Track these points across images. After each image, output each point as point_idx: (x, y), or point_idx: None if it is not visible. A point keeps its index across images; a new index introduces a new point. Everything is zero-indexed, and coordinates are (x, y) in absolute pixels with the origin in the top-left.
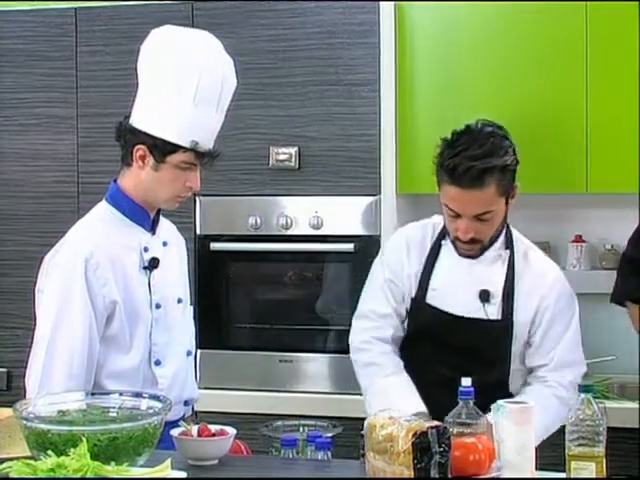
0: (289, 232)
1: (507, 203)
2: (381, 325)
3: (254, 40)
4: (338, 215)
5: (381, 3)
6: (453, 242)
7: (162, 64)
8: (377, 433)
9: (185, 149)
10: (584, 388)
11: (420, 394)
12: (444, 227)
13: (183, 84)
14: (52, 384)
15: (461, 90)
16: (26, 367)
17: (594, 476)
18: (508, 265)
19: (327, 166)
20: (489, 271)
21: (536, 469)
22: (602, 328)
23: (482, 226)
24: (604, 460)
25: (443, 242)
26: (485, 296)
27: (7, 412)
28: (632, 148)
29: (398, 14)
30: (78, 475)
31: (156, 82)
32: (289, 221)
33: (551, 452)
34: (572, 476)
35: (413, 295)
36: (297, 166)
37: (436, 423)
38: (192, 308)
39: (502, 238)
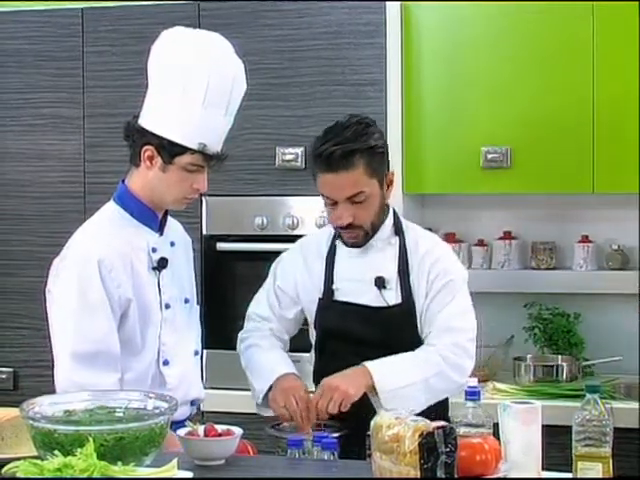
0: (296, 232)
1: (382, 188)
2: (263, 324)
3: (260, 40)
4: None
5: (387, 3)
6: (339, 235)
7: (172, 65)
8: (383, 433)
9: (193, 151)
10: (591, 388)
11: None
12: (338, 233)
13: (192, 86)
14: (84, 384)
15: (467, 90)
16: (33, 367)
17: (600, 476)
18: (399, 251)
19: None
20: (380, 258)
21: (542, 469)
22: (609, 328)
23: (358, 210)
24: (610, 460)
25: (337, 242)
26: (380, 282)
27: (14, 412)
28: (638, 148)
29: (404, 14)
30: (85, 475)
31: (166, 83)
32: (295, 221)
33: (557, 452)
34: (578, 476)
35: (320, 296)
36: (303, 166)
37: (442, 423)
38: (199, 308)
39: (390, 225)
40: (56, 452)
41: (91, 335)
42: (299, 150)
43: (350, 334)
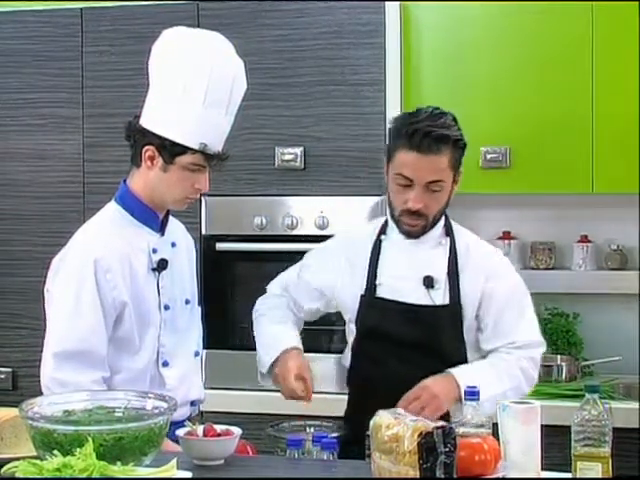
0: (295, 232)
1: (453, 182)
2: (279, 299)
3: (260, 40)
4: (344, 215)
5: (387, 3)
6: (397, 221)
7: (172, 65)
8: (383, 433)
9: (194, 151)
10: (590, 388)
11: (374, 391)
12: (383, 224)
13: (193, 86)
14: (64, 381)
15: (467, 90)
16: (32, 367)
17: (600, 476)
18: (450, 252)
19: (333, 166)
20: (430, 257)
21: (542, 469)
22: (608, 328)
23: (430, 199)
24: (610, 460)
25: (382, 237)
26: (429, 282)
27: (13, 412)
28: (637, 148)
29: (403, 14)
30: (84, 475)
31: (166, 83)
32: (295, 221)
33: (557, 452)
34: (578, 476)
35: (362, 292)
36: (303, 166)
37: (442, 423)
38: (200, 309)
39: (441, 225)
40: (55, 452)
41: (76, 334)
42: (298, 150)
43: (391, 333)
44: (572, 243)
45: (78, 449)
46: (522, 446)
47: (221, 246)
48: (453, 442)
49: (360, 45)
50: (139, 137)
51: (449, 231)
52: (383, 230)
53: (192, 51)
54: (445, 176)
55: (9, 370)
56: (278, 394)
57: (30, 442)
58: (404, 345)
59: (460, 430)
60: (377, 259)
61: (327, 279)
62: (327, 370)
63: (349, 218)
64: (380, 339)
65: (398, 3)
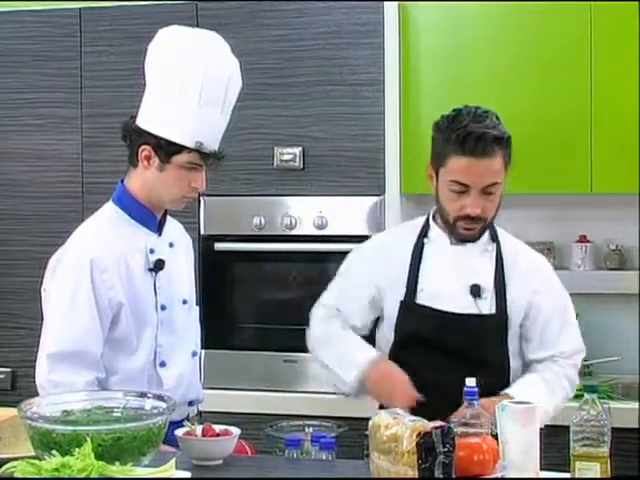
0: (293, 232)
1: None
2: (336, 316)
3: (258, 40)
4: (342, 215)
5: (385, 3)
6: (452, 226)
7: (168, 64)
8: (381, 433)
9: (190, 150)
10: (589, 388)
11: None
12: (424, 226)
13: (188, 85)
14: (58, 382)
15: (465, 90)
16: (31, 367)
17: (599, 476)
18: (496, 259)
19: (331, 166)
20: (477, 265)
21: (540, 469)
22: (607, 328)
23: (487, 202)
24: (608, 460)
25: (425, 240)
26: (476, 291)
27: (12, 412)
28: (636, 148)
29: (402, 14)
30: (82, 475)
31: (162, 82)
32: (293, 221)
33: (555, 452)
34: (577, 476)
35: (402, 298)
36: (301, 166)
37: (440, 423)
38: (198, 309)
39: (487, 232)
40: (54, 452)
41: (70, 335)
42: (297, 150)
43: (431, 341)
44: (571, 243)
45: (77, 449)
46: (521, 446)
47: (220, 246)
48: (452, 442)
49: (359, 45)
50: (135, 137)
51: (494, 237)
52: (424, 233)
53: (187, 50)
54: (500, 177)
55: (8, 370)
56: (276, 394)
57: (29, 442)
58: (445, 354)
59: (459, 430)
60: (419, 264)
61: (371, 289)
62: (325, 371)
63: (348, 218)
64: (419, 347)
65: (397, 3)
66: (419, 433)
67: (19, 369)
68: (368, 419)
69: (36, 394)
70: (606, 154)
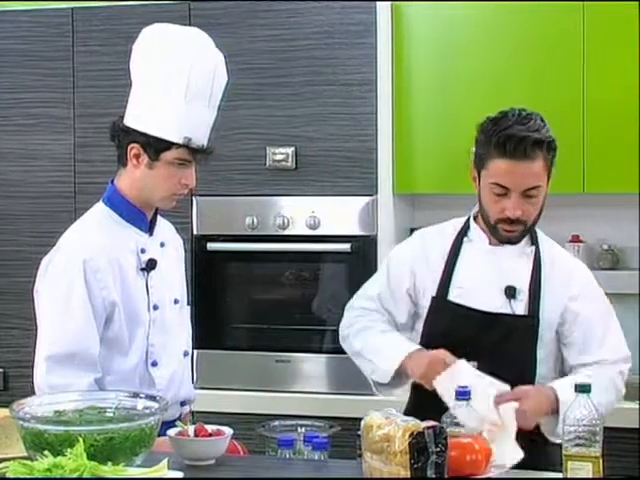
0: (286, 232)
1: (546, 186)
2: (371, 314)
3: (251, 40)
4: (335, 215)
5: (378, 3)
6: (494, 228)
7: (152, 62)
8: (374, 433)
9: (178, 145)
10: (581, 388)
11: (436, 400)
12: (464, 226)
13: (174, 81)
14: (57, 385)
15: (458, 90)
16: (23, 367)
17: (591, 476)
18: (534, 262)
19: (324, 166)
20: (514, 267)
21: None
22: None
23: (528, 205)
24: (601, 460)
25: (465, 239)
26: (511, 292)
27: (4, 412)
28: (629, 148)
29: (395, 14)
30: (75, 475)
31: (147, 80)
32: (286, 221)
33: (552, 452)
34: (569, 476)
35: (434, 294)
36: (294, 166)
37: (433, 423)
38: (190, 308)
39: (527, 235)
40: (46, 452)
41: (67, 336)
42: (290, 150)
43: (461, 340)
44: (564, 243)
45: (69, 449)
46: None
47: (212, 246)
48: (444, 442)
49: (351, 45)
50: (123, 136)
51: (534, 240)
52: (464, 232)
53: (171, 47)
54: (541, 180)
55: (0, 370)
56: (269, 394)
57: (21, 442)
58: (472, 352)
59: (451, 430)
60: (454, 262)
61: (410, 286)
62: (318, 370)
63: (340, 218)
64: (447, 344)
65: (389, 3)
66: (411, 433)
67: (11, 369)
68: (361, 419)
69: (29, 394)
70: (599, 154)
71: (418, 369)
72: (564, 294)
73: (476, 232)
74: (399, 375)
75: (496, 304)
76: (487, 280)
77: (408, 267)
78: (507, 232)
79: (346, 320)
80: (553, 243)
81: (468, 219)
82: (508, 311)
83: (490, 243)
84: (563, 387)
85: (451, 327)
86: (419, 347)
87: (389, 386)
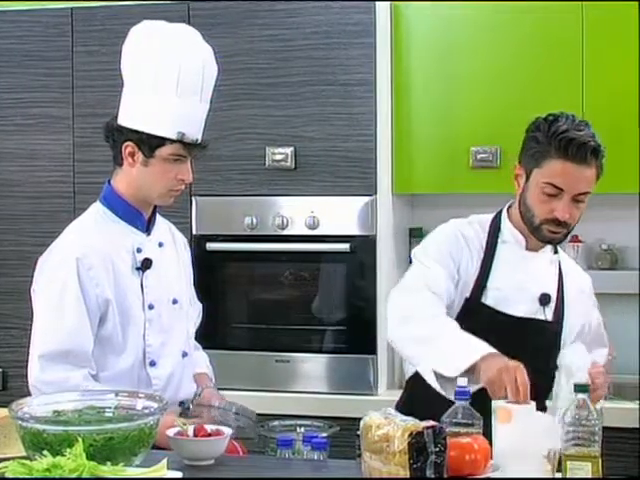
0: (285, 232)
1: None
2: (438, 300)
3: (250, 40)
4: (334, 215)
5: (377, 3)
6: (537, 228)
7: (142, 60)
8: (373, 433)
9: (172, 141)
10: (580, 388)
11: (428, 402)
12: (492, 225)
13: (164, 77)
14: (51, 381)
15: (457, 90)
16: (22, 367)
17: (590, 476)
18: (558, 270)
19: (323, 166)
20: (546, 274)
21: None
22: None
23: (575, 209)
24: (600, 460)
25: (499, 240)
26: (546, 299)
27: (3, 412)
28: (628, 148)
29: (394, 14)
30: (74, 475)
31: (138, 78)
32: (285, 221)
33: None
34: (568, 476)
35: (468, 295)
36: (293, 166)
37: (432, 423)
38: (194, 309)
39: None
40: (45, 452)
41: (60, 333)
42: (289, 150)
43: (489, 342)
44: (563, 243)
45: (68, 449)
46: (504, 443)
47: (211, 246)
48: (443, 442)
49: (350, 45)
50: (117, 136)
51: (556, 249)
52: (496, 233)
53: (160, 43)
54: (592, 187)
55: None
56: (268, 394)
57: (20, 442)
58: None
59: (450, 430)
60: (490, 264)
61: (453, 270)
62: (318, 370)
63: (339, 218)
64: None
65: (388, 3)
66: (411, 433)
67: (10, 369)
68: (360, 419)
69: (27, 394)
70: None
71: (488, 372)
72: (581, 304)
73: (511, 234)
74: (467, 373)
75: (530, 310)
76: (523, 286)
77: (447, 256)
78: (552, 233)
79: (408, 300)
80: (565, 255)
81: (495, 218)
82: (541, 317)
83: (527, 248)
84: None
85: (483, 330)
86: (495, 351)
87: (452, 381)
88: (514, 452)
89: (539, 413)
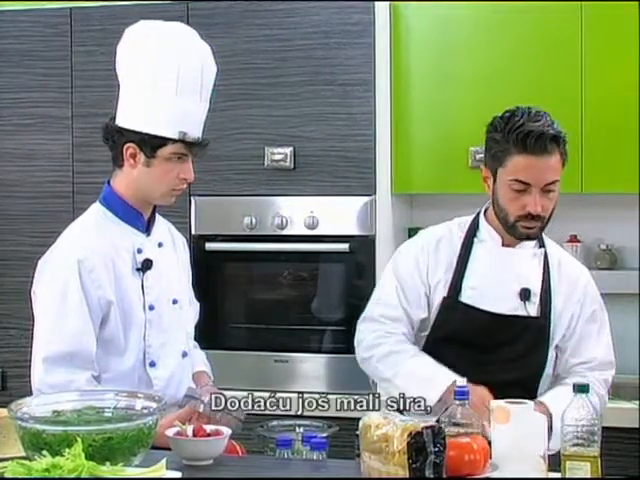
0: (284, 232)
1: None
2: (394, 326)
3: (249, 40)
4: (333, 215)
5: (376, 3)
6: (513, 226)
7: (139, 60)
8: (372, 433)
9: (174, 140)
10: (580, 388)
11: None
12: (472, 225)
13: (163, 76)
14: (56, 384)
15: (456, 90)
16: (21, 367)
17: (589, 476)
18: (543, 264)
19: (322, 166)
20: (527, 269)
21: None
22: None
23: (547, 201)
24: (599, 460)
25: (475, 239)
26: (526, 294)
27: (2, 412)
28: (626, 148)
29: (393, 14)
30: (73, 475)
31: (136, 78)
32: (284, 221)
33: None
34: (567, 476)
35: (445, 294)
36: (292, 166)
37: (431, 423)
38: (194, 308)
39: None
40: (44, 452)
41: (63, 336)
42: (288, 150)
43: (471, 341)
44: (562, 243)
45: (67, 449)
46: (504, 444)
47: (210, 246)
48: (443, 442)
49: (349, 45)
50: (117, 137)
51: (542, 242)
52: (474, 232)
53: (157, 42)
54: (559, 175)
55: None
56: (267, 394)
57: (19, 442)
58: (482, 353)
59: (449, 430)
60: (466, 262)
61: (424, 286)
62: (317, 370)
63: (339, 218)
64: (456, 344)
65: (387, 3)
66: (410, 433)
67: (10, 369)
68: (359, 419)
69: (27, 394)
70: (596, 154)
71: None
72: (571, 299)
73: (487, 232)
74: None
75: (510, 306)
76: (500, 282)
77: (418, 264)
78: (527, 229)
79: (365, 336)
80: (557, 245)
81: (475, 218)
82: (523, 313)
83: (503, 244)
84: (553, 400)
85: (462, 328)
86: (458, 377)
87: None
88: (512, 452)
89: (537, 413)
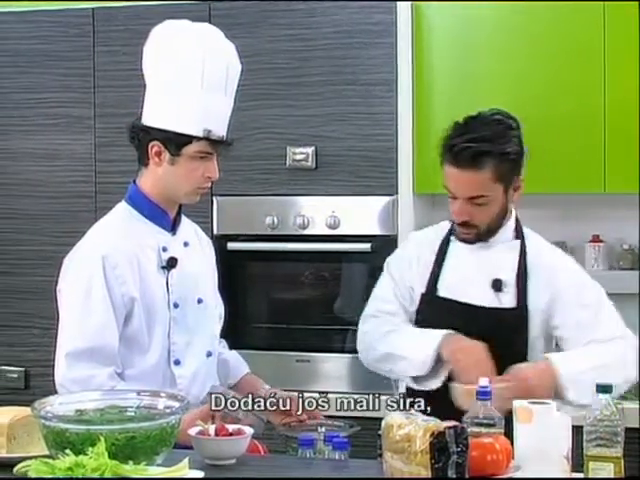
0: (306, 232)
1: (506, 192)
2: (390, 319)
3: (271, 40)
4: (355, 215)
5: (398, 3)
6: (455, 230)
7: (166, 59)
8: (394, 433)
9: (199, 138)
10: (602, 389)
11: (431, 393)
12: (452, 226)
13: (188, 74)
14: (78, 379)
15: (478, 89)
16: (44, 366)
17: (612, 476)
18: (520, 255)
19: (344, 166)
20: (500, 261)
21: None
22: None
23: (476, 211)
24: (622, 461)
25: (451, 238)
26: (498, 285)
27: (25, 411)
28: None
29: (415, 14)
30: (96, 474)
31: (162, 77)
32: (306, 221)
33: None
34: (590, 476)
35: (424, 290)
36: (314, 166)
37: (454, 423)
38: (219, 309)
39: (511, 229)
40: (67, 451)
41: (87, 331)
42: (310, 150)
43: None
44: (584, 243)
45: (90, 448)
46: (527, 443)
47: (232, 246)
48: (465, 442)
49: (371, 45)
50: (143, 135)
51: (519, 235)
52: (451, 232)
53: (183, 40)
54: (488, 190)
55: (21, 369)
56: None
57: (42, 441)
58: None
59: (472, 430)
60: (443, 259)
61: (408, 287)
62: (339, 369)
63: (360, 218)
64: None
65: (409, 3)
66: (432, 433)
67: (32, 368)
68: (381, 419)
69: (50, 393)
70: (619, 153)
71: (450, 357)
72: (550, 287)
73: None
74: (436, 365)
75: (484, 297)
76: (473, 274)
77: (404, 262)
78: (462, 234)
79: (366, 328)
80: (540, 239)
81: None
82: (496, 304)
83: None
84: (561, 359)
85: (440, 321)
86: (451, 332)
87: (428, 378)
88: (535, 452)
89: (559, 413)
